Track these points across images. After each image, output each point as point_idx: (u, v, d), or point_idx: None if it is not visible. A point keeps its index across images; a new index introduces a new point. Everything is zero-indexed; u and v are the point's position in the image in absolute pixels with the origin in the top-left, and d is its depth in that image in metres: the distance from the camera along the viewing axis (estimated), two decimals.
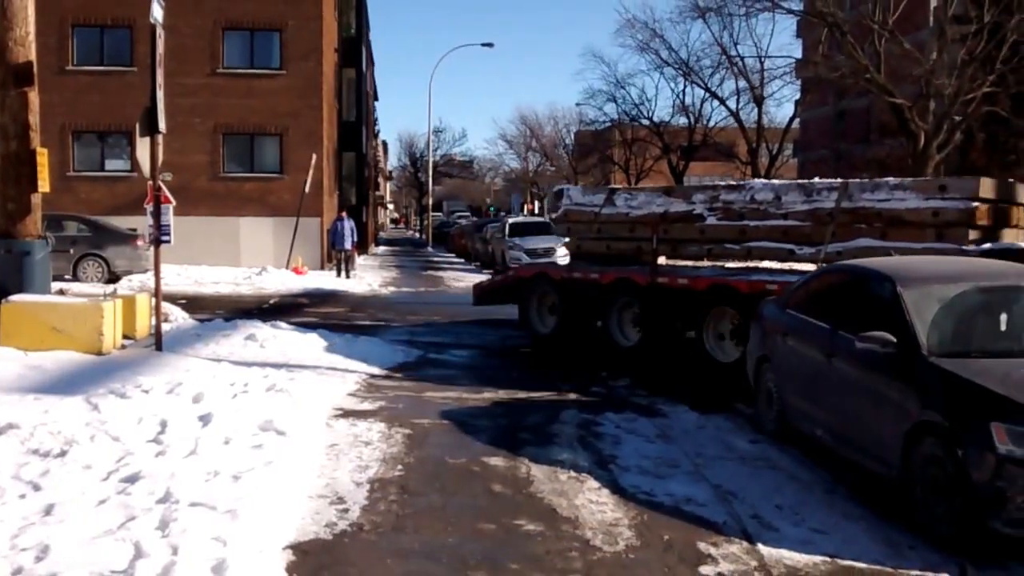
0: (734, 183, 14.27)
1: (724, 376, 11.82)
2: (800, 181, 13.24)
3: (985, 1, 29.91)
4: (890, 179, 12.12)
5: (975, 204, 11.06)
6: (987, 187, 11.34)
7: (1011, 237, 11.51)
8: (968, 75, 30.17)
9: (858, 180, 12.88)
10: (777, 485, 7.15)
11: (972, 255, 10.52)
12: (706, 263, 13.83)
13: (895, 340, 6.63)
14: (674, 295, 12.85)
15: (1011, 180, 12.68)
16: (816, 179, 12.98)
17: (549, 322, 15.36)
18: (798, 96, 49.73)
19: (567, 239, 16.14)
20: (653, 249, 13.69)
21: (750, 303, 11.22)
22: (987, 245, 10.97)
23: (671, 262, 14.04)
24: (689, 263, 14.01)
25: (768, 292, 11.18)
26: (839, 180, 12.89)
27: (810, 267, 11.83)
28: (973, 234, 11.11)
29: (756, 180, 13.74)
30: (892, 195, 11.69)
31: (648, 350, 13.37)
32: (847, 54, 32.20)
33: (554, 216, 17.80)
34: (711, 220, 13.38)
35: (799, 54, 48.56)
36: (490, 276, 19.16)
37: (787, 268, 12.56)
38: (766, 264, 12.97)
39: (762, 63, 46.11)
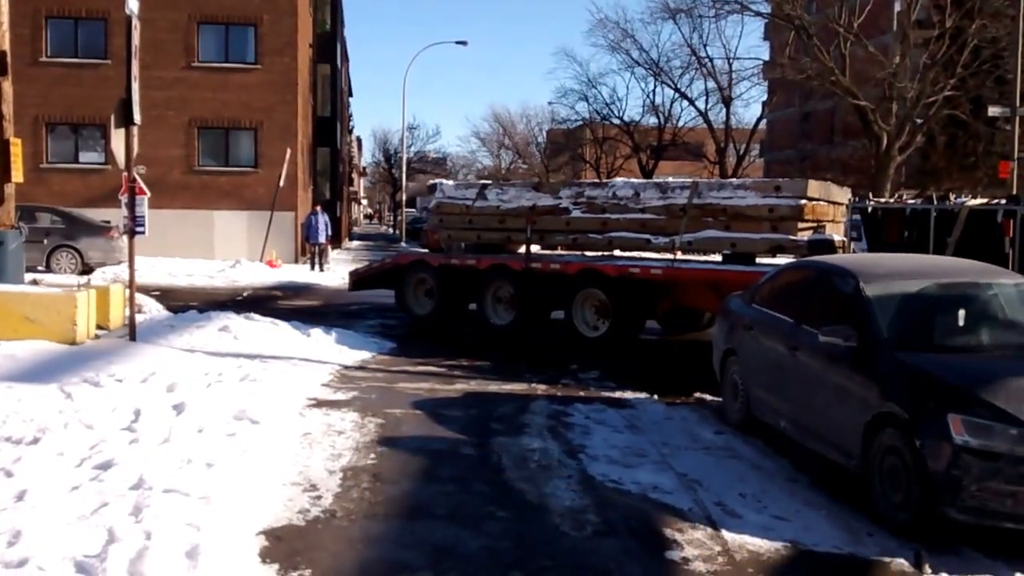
0: (597, 181, 16.74)
1: (590, 350, 13.60)
2: (656, 180, 15.63)
3: (947, 6, 30.35)
4: (733, 180, 14.41)
5: (803, 202, 12.82)
6: (814, 188, 13.22)
7: (830, 230, 13.43)
8: (930, 78, 30.65)
9: (706, 180, 15.26)
10: (741, 474, 7.30)
11: (800, 243, 12.69)
12: (560, 251, 15.80)
13: (857, 334, 6.80)
14: (546, 279, 14.61)
15: (828, 181, 14.78)
16: (670, 179, 15.13)
17: (426, 305, 16.49)
18: (765, 97, 50.35)
19: (438, 230, 17.33)
20: (528, 238, 15.25)
21: (616, 285, 13.78)
22: (810, 237, 12.84)
23: (535, 250, 15.61)
24: (554, 252, 15.89)
25: (632, 275, 13.59)
26: (691, 180, 14.84)
27: (666, 255, 14.09)
28: (802, 227, 12.86)
29: (618, 179, 16.23)
30: (735, 193, 13.47)
31: (520, 329, 15.00)
32: (813, 57, 32.64)
33: (427, 208, 19.23)
34: (576, 213, 15.03)
35: (766, 56, 49.23)
36: (367, 264, 19.95)
37: (645, 256, 14.54)
38: (617, 252, 14.88)
39: (730, 64, 46.69)
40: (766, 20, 42.13)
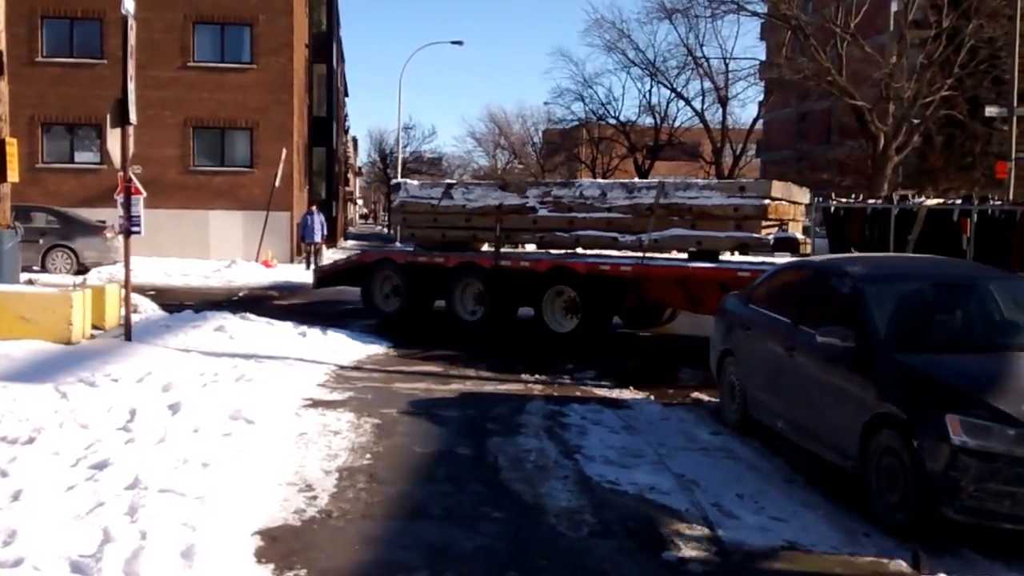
0: (564, 181, 17.60)
1: (561, 344, 14.02)
2: (623, 180, 16.29)
3: (944, 6, 30.40)
4: (699, 180, 14.92)
5: (767, 201, 13.22)
6: (777, 188, 13.60)
7: (792, 229, 13.95)
8: (927, 79, 30.69)
9: (672, 180, 15.73)
10: (738, 475, 7.28)
11: (764, 241, 13.22)
12: (526, 248, 16.55)
13: (854, 334, 6.78)
14: (515, 276, 15.01)
15: (791, 183, 15.13)
16: (636, 179, 16.25)
17: (393, 302, 16.72)
18: (762, 97, 50.32)
19: (402, 229, 17.76)
20: (497, 237, 15.57)
21: (585, 282, 14.18)
22: (775, 235, 13.28)
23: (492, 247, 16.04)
24: (520, 249, 16.58)
25: (602, 272, 14.02)
26: (657, 180, 15.62)
27: (631, 253, 14.39)
28: (765, 225, 13.27)
29: (584, 179, 17.73)
30: (701, 193, 13.92)
31: (490, 324, 15.37)
32: (810, 57, 32.68)
33: (391, 207, 19.72)
34: (543, 212, 15.40)
35: (763, 56, 49.19)
36: (332, 262, 20.33)
37: (612, 253, 14.87)
38: (580, 250, 15.20)
39: (727, 64, 46.82)
40: (762, 20, 42.17)
